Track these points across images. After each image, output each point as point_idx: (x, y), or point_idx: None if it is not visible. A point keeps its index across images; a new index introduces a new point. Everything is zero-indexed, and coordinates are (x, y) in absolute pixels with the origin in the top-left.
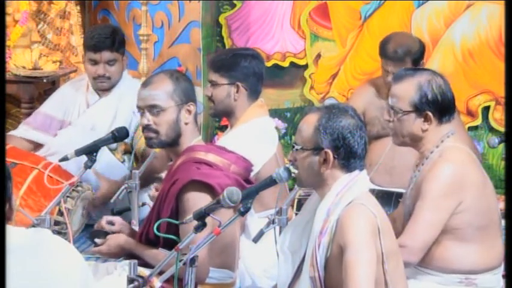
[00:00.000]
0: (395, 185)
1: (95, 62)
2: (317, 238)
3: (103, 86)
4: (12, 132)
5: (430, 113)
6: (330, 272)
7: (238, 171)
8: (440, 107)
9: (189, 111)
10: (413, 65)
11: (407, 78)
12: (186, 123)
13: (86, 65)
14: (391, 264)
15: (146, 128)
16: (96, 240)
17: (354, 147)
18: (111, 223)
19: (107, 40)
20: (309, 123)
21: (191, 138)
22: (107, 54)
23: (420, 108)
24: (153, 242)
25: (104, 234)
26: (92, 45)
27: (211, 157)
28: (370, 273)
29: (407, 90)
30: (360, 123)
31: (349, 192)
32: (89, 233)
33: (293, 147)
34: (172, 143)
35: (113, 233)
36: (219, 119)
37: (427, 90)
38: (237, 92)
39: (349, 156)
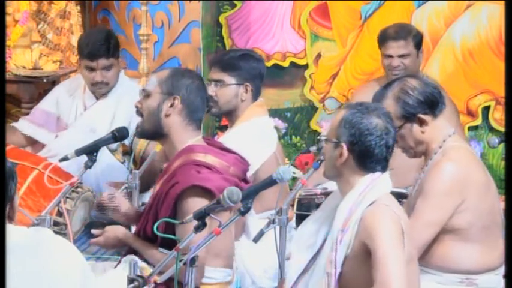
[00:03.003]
0: (396, 184)
1: (91, 69)
2: (338, 235)
3: (101, 91)
4: (12, 124)
5: (421, 115)
6: (345, 269)
7: (237, 173)
8: (427, 104)
9: (172, 105)
10: (416, 48)
11: (382, 97)
12: (167, 115)
13: (83, 71)
14: (411, 268)
15: (136, 111)
16: (93, 230)
17: (370, 147)
18: (112, 198)
19: (101, 47)
20: (337, 117)
21: (184, 136)
22: (103, 62)
23: (409, 116)
24: (151, 241)
25: (102, 225)
26: (87, 53)
27: (210, 159)
28: (402, 272)
29: (389, 107)
30: (387, 125)
31: (371, 193)
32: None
33: (320, 137)
34: (155, 135)
35: (112, 223)
36: (219, 118)
37: (405, 98)
38: (246, 92)
39: (364, 156)
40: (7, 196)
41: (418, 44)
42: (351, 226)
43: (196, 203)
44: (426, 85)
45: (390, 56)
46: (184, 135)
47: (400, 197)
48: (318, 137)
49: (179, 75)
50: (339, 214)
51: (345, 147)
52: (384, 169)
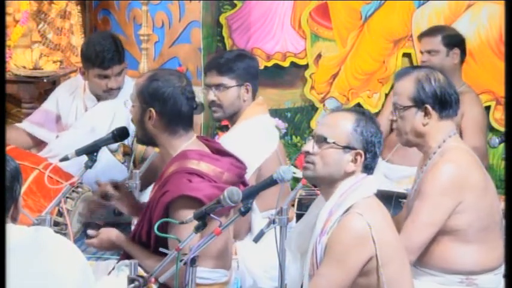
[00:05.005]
0: (408, 163)
1: (104, 77)
2: (318, 237)
3: (113, 96)
4: (16, 124)
5: (429, 107)
6: None
7: (231, 178)
8: (439, 100)
9: (150, 117)
10: (446, 46)
11: (406, 75)
12: (149, 126)
13: (93, 80)
14: (392, 268)
15: (131, 119)
16: (88, 231)
17: (378, 151)
18: (116, 187)
19: (115, 55)
20: (346, 121)
21: (174, 142)
22: (117, 68)
23: (419, 101)
24: (145, 245)
25: (97, 226)
26: (100, 62)
27: (203, 166)
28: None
29: (406, 85)
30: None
31: (352, 194)
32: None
33: (325, 139)
34: (149, 142)
35: (107, 225)
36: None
37: (424, 83)
38: (247, 92)
39: (373, 160)
40: (12, 197)
41: (451, 43)
42: (329, 228)
43: (186, 213)
44: (449, 85)
45: (421, 52)
46: (174, 141)
47: (399, 197)
48: (318, 137)
49: (154, 84)
50: (321, 215)
51: (362, 153)
52: (372, 171)
